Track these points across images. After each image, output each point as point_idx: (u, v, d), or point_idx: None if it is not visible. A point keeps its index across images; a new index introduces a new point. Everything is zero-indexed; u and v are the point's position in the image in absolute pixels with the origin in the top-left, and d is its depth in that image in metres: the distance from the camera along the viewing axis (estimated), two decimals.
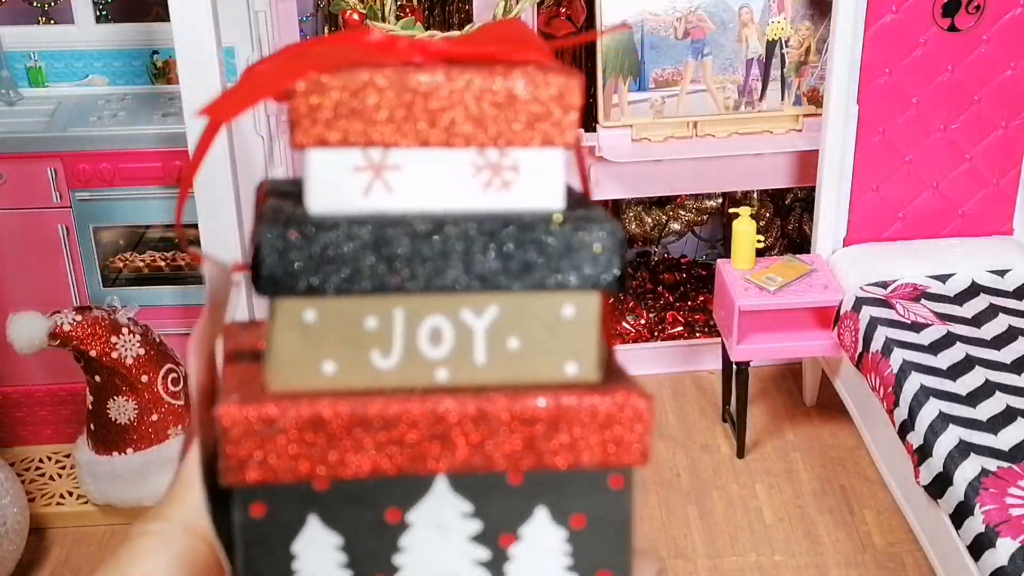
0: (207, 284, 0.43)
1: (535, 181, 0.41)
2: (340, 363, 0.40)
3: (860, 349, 2.58)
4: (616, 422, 0.40)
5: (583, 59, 3.01)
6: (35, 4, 2.85)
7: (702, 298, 3.30)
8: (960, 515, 2.12)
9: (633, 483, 0.42)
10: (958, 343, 2.49)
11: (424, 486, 0.40)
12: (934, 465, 2.21)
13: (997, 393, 2.33)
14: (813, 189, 2.90)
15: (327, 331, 0.40)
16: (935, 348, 2.48)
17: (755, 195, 3.23)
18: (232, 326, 0.46)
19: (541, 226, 0.40)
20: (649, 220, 3.25)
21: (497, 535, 0.41)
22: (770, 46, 2.95)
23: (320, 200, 0.40)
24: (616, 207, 3.24)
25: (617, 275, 0.41)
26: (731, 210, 2.88)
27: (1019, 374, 2.38)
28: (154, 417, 2.67)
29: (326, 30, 2.92)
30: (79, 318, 2.57)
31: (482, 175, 0.41)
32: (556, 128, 0.41)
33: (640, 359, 3.13)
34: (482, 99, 0.41)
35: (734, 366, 2.82)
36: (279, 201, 0.41)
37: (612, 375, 0.42)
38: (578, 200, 0.43)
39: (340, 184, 0.40)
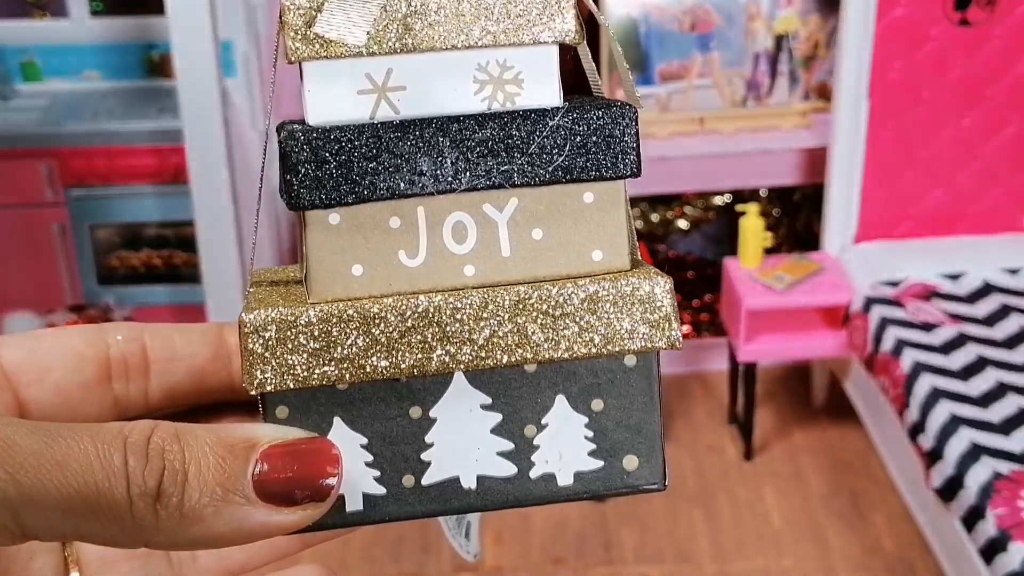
0: None
1: (535, 83, 0.42)
2: (368, 265, 0.41)
3: (870, 350, 2.54)
4: (641, 306, 0.41)
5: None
6: None
7: (709, 297, 3.26)
8: (972, 519, 2.08)
9: (655, 366, 0.43)
10: (970, 344, 2.45)
11: (443, 382, 0.41)
12: (945, 468, 2.17)
13: (1010, 395, 2.29)
14: (822, 186, 2.86)
15: (354, 235, 0.41)
16: (947, 349, 2.44)
17: (763, 192, 3.19)
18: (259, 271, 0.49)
19: (547, 116, 0.41)
20: (654, 218, 3.22)
21: (520, 426, 0.42)
22: (778, 40, 2.91)
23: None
24: None
25: (634, 159, 0.41)
26: (738, 207, 2.85)
27: None
28: None
29: None
30: (74, 318, 2.55)
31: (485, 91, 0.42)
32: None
33: None
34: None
35: (741, 367, 2.79)
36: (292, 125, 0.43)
37: (635, 263, 0.43)
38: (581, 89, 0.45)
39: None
